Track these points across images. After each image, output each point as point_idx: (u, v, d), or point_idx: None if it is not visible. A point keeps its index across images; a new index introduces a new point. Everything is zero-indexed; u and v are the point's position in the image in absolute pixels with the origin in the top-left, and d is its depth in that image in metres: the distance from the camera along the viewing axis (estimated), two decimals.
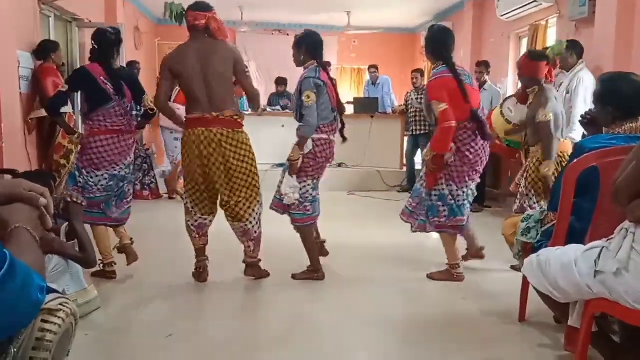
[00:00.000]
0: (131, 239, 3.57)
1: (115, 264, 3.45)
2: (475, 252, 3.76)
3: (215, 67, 3.21)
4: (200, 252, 3.45)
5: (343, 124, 3.56)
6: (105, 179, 3.41)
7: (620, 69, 3.91)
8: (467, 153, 3.39)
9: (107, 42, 3.44)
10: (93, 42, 3.46)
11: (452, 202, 3.45)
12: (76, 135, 3.61)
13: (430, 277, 3.59)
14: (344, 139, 3.59)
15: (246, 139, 3.30)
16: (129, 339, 2.68)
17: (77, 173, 3.43)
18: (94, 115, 3.39)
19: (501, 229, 3.24)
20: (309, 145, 3.38)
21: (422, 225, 3.56)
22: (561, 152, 3.66)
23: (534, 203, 3.71)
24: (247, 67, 3.43)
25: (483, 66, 6.42)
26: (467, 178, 3.45)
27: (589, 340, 2.08)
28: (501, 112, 3.95)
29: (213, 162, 3.21)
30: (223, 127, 3.21)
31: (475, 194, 3.67)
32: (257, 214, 3.36)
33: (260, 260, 3.46)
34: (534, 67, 3.66)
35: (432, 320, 2.95)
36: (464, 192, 3.48)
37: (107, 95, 3.37)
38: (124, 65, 5.46)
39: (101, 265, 3.35)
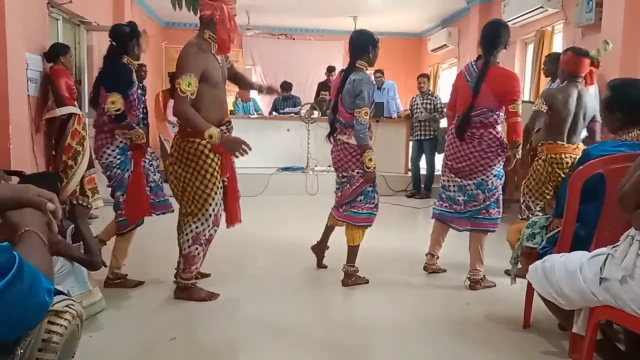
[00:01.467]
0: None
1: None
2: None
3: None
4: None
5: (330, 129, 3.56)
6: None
7: (627, 75, 3.91)
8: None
9: (121, 35, 3.35)
10: (110, 39, 3.39)
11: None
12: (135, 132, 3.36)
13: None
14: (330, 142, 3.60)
15: (195, 150, 2.99)
16: (133, 341, 2.69)
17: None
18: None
19: (506, 234, 3.24)
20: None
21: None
22: (564, 155, 3.68)
23: (536, 205, 3.74)
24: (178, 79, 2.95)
25: None
26: (447, 169, 3.58)
27: (593, 348, 2.08)
28: None
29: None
30: (178, 134, 3.12)
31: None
32: (192, 231, 3.07)
33: (192, 284, 3.18)
34: (578, 62, 3.68)
35: (436, 325, 2.94)
36: (447, 182, 3.58)
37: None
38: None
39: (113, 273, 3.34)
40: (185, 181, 3.04)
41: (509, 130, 3.34)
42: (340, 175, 3.55)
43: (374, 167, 3.39)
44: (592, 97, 3.82)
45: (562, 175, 3.67)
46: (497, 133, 3.40)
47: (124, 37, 3.35)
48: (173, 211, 3.41)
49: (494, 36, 3.36)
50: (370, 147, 3.38)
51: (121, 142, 3.30)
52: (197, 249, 3.10)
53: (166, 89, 7.41)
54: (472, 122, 3.38)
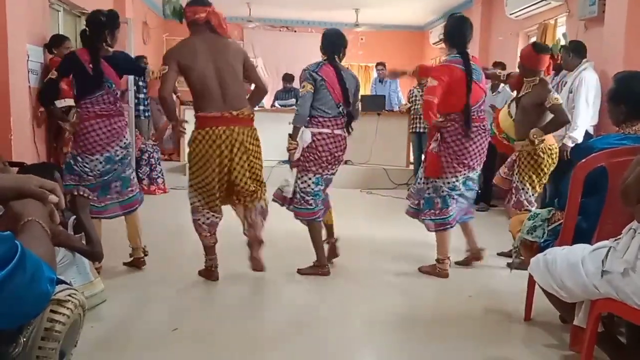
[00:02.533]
0: (144, 250, 3.59)
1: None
2: (474, 254, 3.78)
3: (229, 64, 3.18)
4: (211, 251, 3.41)
5: (349, 118, 3.55)
6: (101, 162, 3.35)
7: (630, 68, 3.88)
8: (453, 144, 3.45)
9: (95, 24, 3.34)
10: (85, 25, 3.39)
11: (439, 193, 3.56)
12: (69, 124, 3.48)
13: (420, 269, 3.67)
14: (348, 132, 3.59)
15: (258, 135, 3.35)
16: (134, 332, 2.70)
17: (72, 161, 3.37)
18: (82, 102, 3.34)
19: (508, 226, 3.24)
20: (306, 138, 3.41)
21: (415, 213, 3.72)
22: (550, 145, 3.74)
23: (530, 196, 3.74)
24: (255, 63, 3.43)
25: (499, 67, 6.36)
26: (449, 170, 3.49)
27: (594, 340, 2.08)
28: (509, 111, 3.96)
29: (237, 161, 3.19)
30: (243, 125, 3.21)
31: (471, 189, 3.63)
32: (265, 204, 3.43)
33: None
34: (538, 59, 3.70)
35: (438, 317, 2.95)
36: (445, 184, 3.50)
37: (94, 83, 3.30)
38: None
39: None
40: (258, 166, 3.34)
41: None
42: (334, 171, 3.60)
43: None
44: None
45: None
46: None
47: (97, 25, 3.35)
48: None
49: (458, 32, 3.53)
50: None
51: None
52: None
53: None
54: (481, 115, 3.51)
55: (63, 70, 3.40)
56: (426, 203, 3.57)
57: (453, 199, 3.52)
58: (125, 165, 3.49)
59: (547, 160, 3.75)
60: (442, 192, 3.51)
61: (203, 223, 3.33)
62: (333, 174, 3.62)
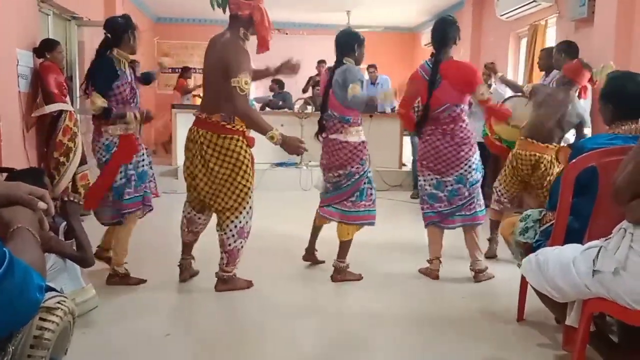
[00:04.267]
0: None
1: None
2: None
3: (211, 67, 3.10)
4: (186, 250, 3.37)
5: (319, 124, 3.55)
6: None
7: (620, 69, 3.91)
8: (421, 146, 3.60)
9: (118, 26, 3.30)
10: (105, 31, 3.33)
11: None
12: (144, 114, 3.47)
13: (419, 271, 3.68)
14: (317, 138, 3.61)
15: (234, 146, 3.05)
16: (127, 337, 2.68)
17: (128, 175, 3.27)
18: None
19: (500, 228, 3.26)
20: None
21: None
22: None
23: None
24: (244, 79, 2.95)
25: (490, 69, 6.38)
26: (420, 169, 3.61)
27: (587, 340, 2.09)
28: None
29: (194, 162, 3.12)
30: (208, 130, 3.05)
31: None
32: (235, 226, 3.14)
33: (233, 275, 3.27)
34: (583, 74, 3.81)
35: (431, 318, 2.95)
36: (425, 181, 3.58)
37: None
38: None
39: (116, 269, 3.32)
40: (224, 177, 3.07)
41: (491, 116, 3.38)
42: (334, 174, 3.46)
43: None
44: (580, 107, 3.88)
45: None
46: (467, 125, 3.49)
47: (119, 29, 3.30)
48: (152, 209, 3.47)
49: (442, 34, 3.46)
50: (371, 98, 3.55)
51: (107, 139, 3.26)
52: (241, 242, 3.19)
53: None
54: (441, 118, 3.44)
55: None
56: (478, 195, 3.60)
57: (424, 197, 3.60)
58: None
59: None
60: (425, 189, 3.61)
61: (184, 217, 3.34)
62: (331, 177, 3.51)
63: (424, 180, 3.59)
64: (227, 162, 3.06)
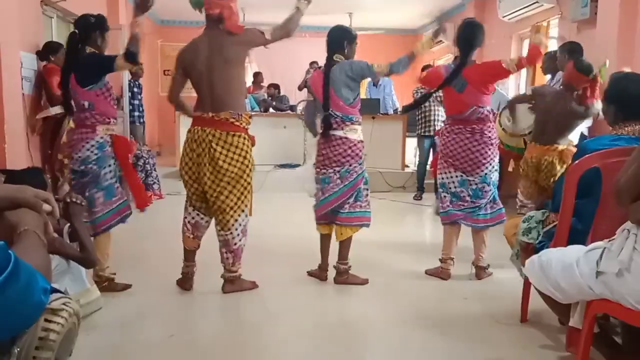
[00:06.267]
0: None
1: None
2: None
3: (217, 65, 3.08)
4: (190, 256, 3.31)
5: (324, 123, 3.46)
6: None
7: (620, 68, 3.91)
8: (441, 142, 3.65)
9: (85, 25, 3.27)
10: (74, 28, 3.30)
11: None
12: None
13: (426, 272, 3.69)
14: (323, 136, 3.50)
15: (242, 144, 3.11)
16: (131, 339, 2.69)
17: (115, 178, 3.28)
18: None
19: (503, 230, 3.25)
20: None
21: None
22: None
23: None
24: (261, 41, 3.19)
25: None
26: (440, 165, 3.65)
27: (590, 341, 2.08)
28: (499, 121, 4.05)
29: (201, 162, 3.10)
30: (216, 128, 3.07)
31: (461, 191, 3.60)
32: (240, 224, 3.17)
33: (240, 275, 3.28)
34: (577, 76, 3.84)
35: (434, 319, 2.95)
36: (441, 178, 3.63)
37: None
38: None
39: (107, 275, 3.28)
40: (232, 175, 3.09)
41: (530, 58, 3.42)
42: (332, 170, 3.39)
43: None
44: (577, 108, 3.91)
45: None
46: (493, 127, 3.55)
47: (88, 27, 3.27)
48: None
49: (470, 37, 3.49)
50: (412, 53, 3.51)
51: (101, 138, 3.24)
52: (244, 240, 3.23)
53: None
54: (470, 120, 3.48)
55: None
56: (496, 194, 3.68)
57: (445, 195, 3.61)
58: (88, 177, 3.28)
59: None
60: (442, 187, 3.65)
61: (188, 222, 3.29)
62: (327, 173, 3.43)
63: (448, 178, 3.60)
64: (235, 159, 3.09)
